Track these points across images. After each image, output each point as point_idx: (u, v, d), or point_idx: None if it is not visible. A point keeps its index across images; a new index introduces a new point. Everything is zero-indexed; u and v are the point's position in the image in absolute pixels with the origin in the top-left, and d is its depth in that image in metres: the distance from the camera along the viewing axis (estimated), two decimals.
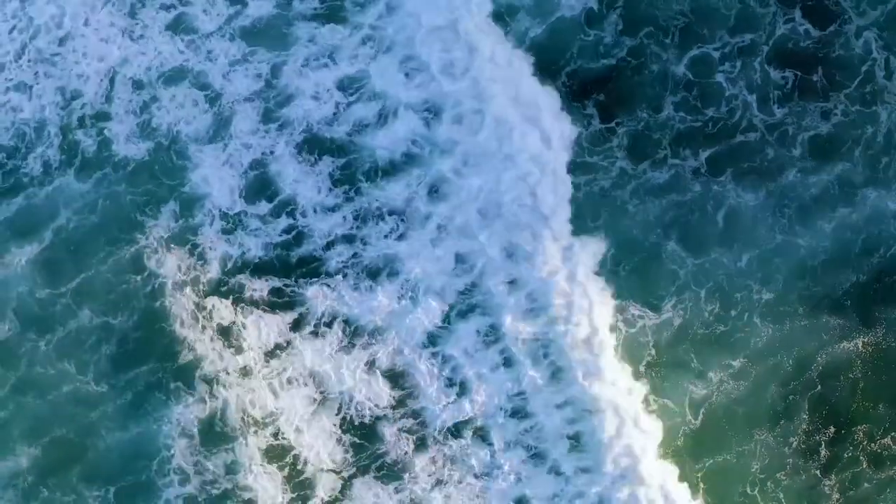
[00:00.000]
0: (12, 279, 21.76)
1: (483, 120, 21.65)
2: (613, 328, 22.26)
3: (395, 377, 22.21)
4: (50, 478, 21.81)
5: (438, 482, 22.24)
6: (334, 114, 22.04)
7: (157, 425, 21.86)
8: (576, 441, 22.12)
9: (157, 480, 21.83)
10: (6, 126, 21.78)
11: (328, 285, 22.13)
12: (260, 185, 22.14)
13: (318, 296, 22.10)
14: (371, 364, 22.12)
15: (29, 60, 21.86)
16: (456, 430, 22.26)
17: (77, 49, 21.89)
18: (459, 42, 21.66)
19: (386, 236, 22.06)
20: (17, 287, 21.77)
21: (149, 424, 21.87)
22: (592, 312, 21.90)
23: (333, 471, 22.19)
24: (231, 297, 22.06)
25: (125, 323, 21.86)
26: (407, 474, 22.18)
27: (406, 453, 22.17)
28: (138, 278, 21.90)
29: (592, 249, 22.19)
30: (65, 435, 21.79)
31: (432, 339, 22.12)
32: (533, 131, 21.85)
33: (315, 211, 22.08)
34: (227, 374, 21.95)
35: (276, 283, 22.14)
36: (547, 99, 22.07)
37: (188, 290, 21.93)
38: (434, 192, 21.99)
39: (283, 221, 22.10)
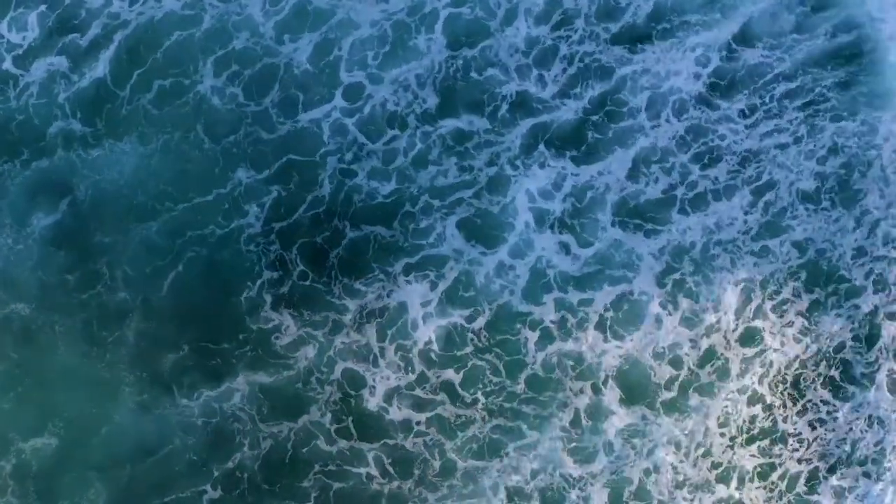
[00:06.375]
0: (40, 250, 19.94)
1: None
2: None
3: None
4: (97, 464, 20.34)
5: None
6: None
7: (223, 394, 20.24)
8: None
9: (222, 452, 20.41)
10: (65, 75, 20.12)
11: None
12: (381, 122, 20.30)
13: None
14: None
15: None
16: None
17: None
18: None
19: None
20: (44, 258, 19.95)
21: (212, 397, 20.28)
22: None
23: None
24: (330, 244, 20.28)
25: (173, 290, 20.06)
26: None
27: None
28: (216, 228, 20.11)
29: None
30: (91, 416, 20.11)
31: None
32: None
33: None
34: (319, 336, 20.22)
35: (384, 231, 20.30)
36: None
37: (270, 241, 20.24)
38: None
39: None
